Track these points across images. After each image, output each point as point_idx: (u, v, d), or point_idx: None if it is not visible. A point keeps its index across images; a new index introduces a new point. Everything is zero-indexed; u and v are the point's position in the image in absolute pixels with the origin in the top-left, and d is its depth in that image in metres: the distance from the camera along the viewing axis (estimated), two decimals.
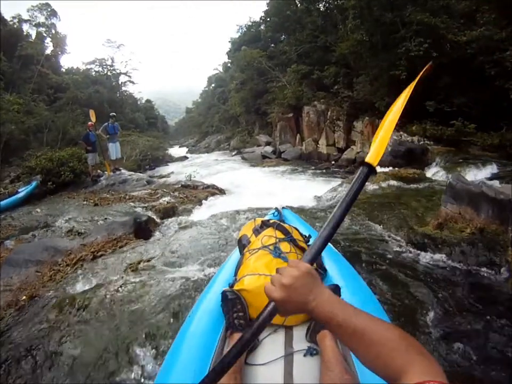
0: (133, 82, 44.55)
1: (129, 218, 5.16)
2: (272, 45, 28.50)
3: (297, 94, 19.09)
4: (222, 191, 9.03)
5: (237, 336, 1.40)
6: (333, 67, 17.52)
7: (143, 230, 4.88)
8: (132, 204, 7.03)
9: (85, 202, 7.47)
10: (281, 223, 1.99)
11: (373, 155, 0.89)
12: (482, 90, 11.21)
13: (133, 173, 10.67)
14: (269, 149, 20.90)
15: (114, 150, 10.15)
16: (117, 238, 4.55)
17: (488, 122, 10.71)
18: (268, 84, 23.50)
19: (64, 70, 35.87)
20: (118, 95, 41.99)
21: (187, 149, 37.32)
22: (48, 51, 32.06)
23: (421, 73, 1.01)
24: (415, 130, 12.56)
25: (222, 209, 6.09)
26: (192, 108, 61.66)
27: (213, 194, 8.29)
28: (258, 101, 25.96)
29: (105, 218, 6.01)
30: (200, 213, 6.15)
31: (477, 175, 7.94)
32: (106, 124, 10.04)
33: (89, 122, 10.04)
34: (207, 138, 39.14)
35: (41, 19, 31.78)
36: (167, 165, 21.52)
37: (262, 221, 2.09)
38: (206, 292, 1.85)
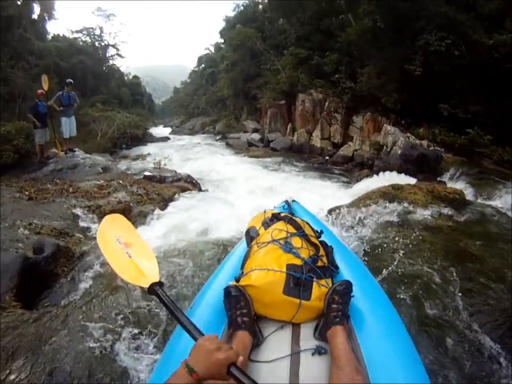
0: (121, 56, 41.60)
1: (13, 258, 2.93)
2: (269, 25, 26.37)
3: (293, 80, 17.26)
4: (197, 186, 7.40)
5: (240, 334, 1.29)
6: (335, 54, 15.66)
7: (38, 279, 2.88)
8: (74, 201, 5.14)
9: (18, 195, 5.43)
10: (293, 217, 1.89)
11: None
12: (502, 100, 9.93)
13: (89, 155, 8.75)
14: (256, 136, 19.17)
15: (68, 126, 8.19)
16: None
17: (504, 136, 9.62)
18: (261, 66, 21.55)
19: (50, 37, 32.52)
20: (104, 68, 39.07)
21: (171, 129, 35.65)
22: (35, 15, 28.63)
23: None
24: (422, 133, 11.18)
25: (192, 219, 4.60)
26: (180, 88, 59.16)
27: (184, 190, 6.62)
28: (249, 84, 23.97)
29: (30, 224, 4.11)
30: (158, 227, 4.39)
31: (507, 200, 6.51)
32: (60, 92, 8.18)
33: (39, 91, 7.94)
34: (192, 120, 37.27)
35: None
36: (146, 145, 19.72)
37: (273, 214, 1.97)
38: (209, 284, 1.73)
